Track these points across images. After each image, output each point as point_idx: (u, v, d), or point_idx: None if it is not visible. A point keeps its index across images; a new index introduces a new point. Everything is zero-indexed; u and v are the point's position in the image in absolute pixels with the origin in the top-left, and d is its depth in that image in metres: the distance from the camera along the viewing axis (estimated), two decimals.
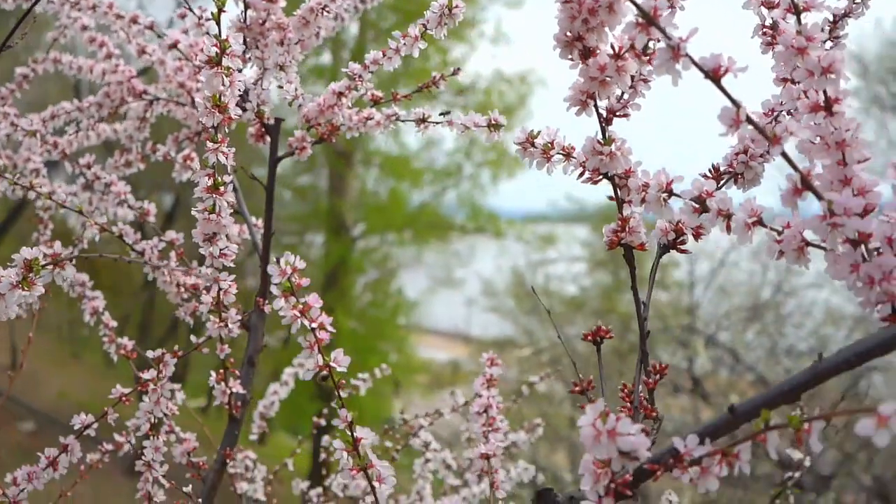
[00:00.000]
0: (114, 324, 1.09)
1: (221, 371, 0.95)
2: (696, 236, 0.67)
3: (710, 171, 0.69)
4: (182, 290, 1.02)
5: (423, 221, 11.46)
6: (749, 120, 0.50)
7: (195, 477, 1.00)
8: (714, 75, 0.50)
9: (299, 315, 0.62)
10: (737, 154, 0.68)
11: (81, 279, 1.12)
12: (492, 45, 10.42)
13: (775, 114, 0.69)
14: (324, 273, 11.01)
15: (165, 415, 0.98)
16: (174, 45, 1.02)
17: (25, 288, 0.67)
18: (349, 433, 0.65)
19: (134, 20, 1.09)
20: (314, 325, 0.62)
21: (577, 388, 0.63)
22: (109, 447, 1.12)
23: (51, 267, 0.67)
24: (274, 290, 0.61)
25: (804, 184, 0.51)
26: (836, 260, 0.52)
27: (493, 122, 0.84)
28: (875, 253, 0.52)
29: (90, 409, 1.13)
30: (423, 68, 10.54)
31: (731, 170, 0.68)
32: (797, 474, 1.08)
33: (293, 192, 11.74)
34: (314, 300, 0.62)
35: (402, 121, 0.98)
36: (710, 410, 6.88)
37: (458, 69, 1.01)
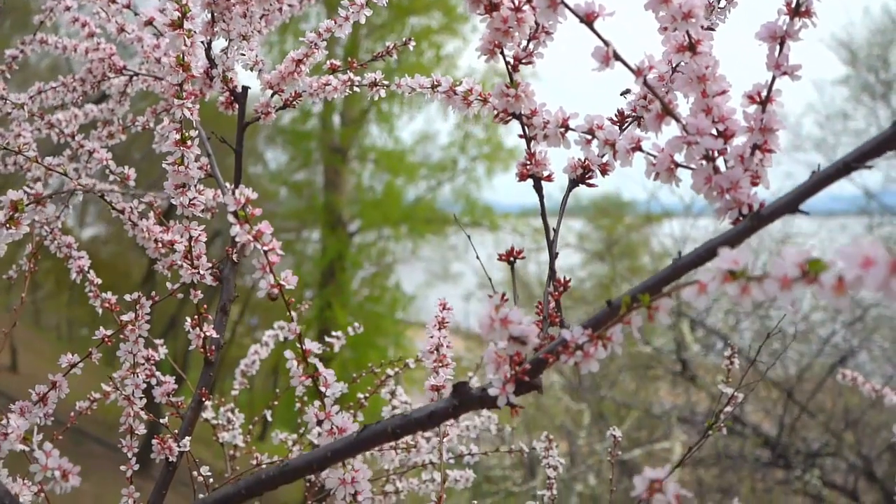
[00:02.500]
0: (98, 281, 1.18)
1: (196, 316, 1.05)
2: (603, 172, 0.77)
3: (615, 114, 0.78)
4: (159, 245, 1.11)
5: (419, 216, 11.56)
6: (616, 56, 0.60)
7: (174, 416, 1.10)
8: (588, 20, 0.60)
9: (253, 240, 0.71)
10: (639, 99, 0.78)
11: (68, 241, 1.21)
12: None
13: (673, 64, 0.78)
14: (321, 269, 11.11)
15: (146, 359, 1.08)
16: (149, 22, 1.11)
17: (12, 226, 0.76)
18: (299, 345, 0.74)
19: (112, 0, 1.18)
20: (266, 248, 0.71)
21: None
22: (97, 396, 1.21)
23: (34, 205, 0.77)
24: (230, 217, 0.71)
25: (665, 110, 0.61)
26: (695, 174, 0.61)
27: (434, 83, 0.93)
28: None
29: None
30: (417, 63, 10.66)
31: (633, 113, 0.77)
32: (729, 409, 1.17)
33: (289, 189, 11.84)
34: (266, 227, 0.72)
35: (358, 86, 1.07)
36: (702, 392, 7.00)
37: (410, 39, 1.10)
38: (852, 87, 9.44)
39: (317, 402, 0.74)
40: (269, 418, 1.50)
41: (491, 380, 0.64)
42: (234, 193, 0.70)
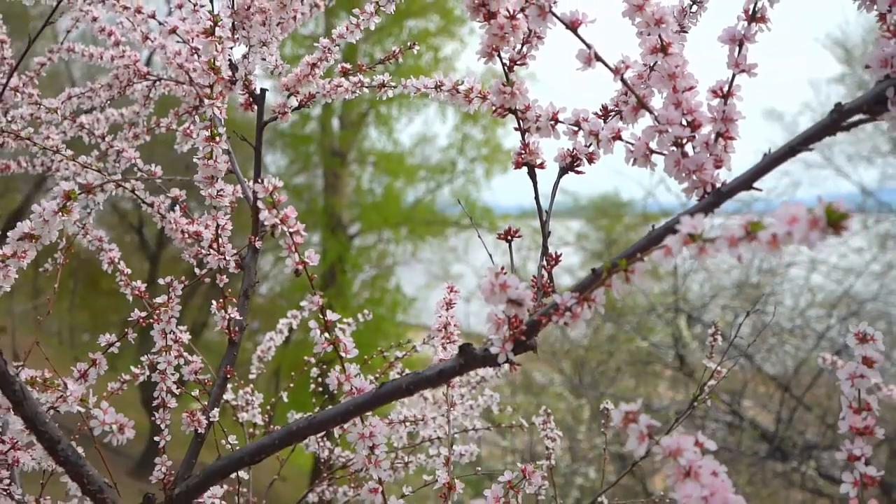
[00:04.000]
0: (128, 270, 1.28)
1: (221, 300, 1.14)
2: (590, 161, 0.86)
3: (600, 109, 0.88)
4: (186, 236, 1.21)
5: (419, 218, 11.66)
6: (597, 57, 0.69)
7: (203, 392, 1.19)
8: (573, 26, 0.69)
9: (280, 223, 0.81)
10: (620, 95, 0.87)
11: (98, 234, 1.31)
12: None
13: (649, 63, 0.88)
14: (321, 272, 11.19)
15: (175, 340, 1.17)
16: (173, 31, 1.21)
17: (65, 214, 0.86)
18: (322, 316, 0.84)
19: (138, 10, 1.28)
20: (292, 230, 0.81)
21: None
22: (126, 377, 1.30)
23: (85, 194, 0.86)
24: (260, 203, 0.80)
25: (639, 104, 0.70)
26: (667, 159, 0.71)
27: (438, 83, 1.03)
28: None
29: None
30: (416, 66, 10.77)
31: (615, 108, 0.87)
32: (712, 383, 1.27)
33: (289, 193, 11.93)
34: (291, 212, 0.81)
35: (367, 87, 1.17)
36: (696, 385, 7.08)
37: (415, 43, 1.20)
38: (848, 85, 9.53)
39: (337, 367, 0.84)
40: (286, 399, 1.60)
41: (492, 340, 0.73)
42: (263, 182, 0.80)
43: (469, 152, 12.04)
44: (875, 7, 0.67)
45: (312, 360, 1.53)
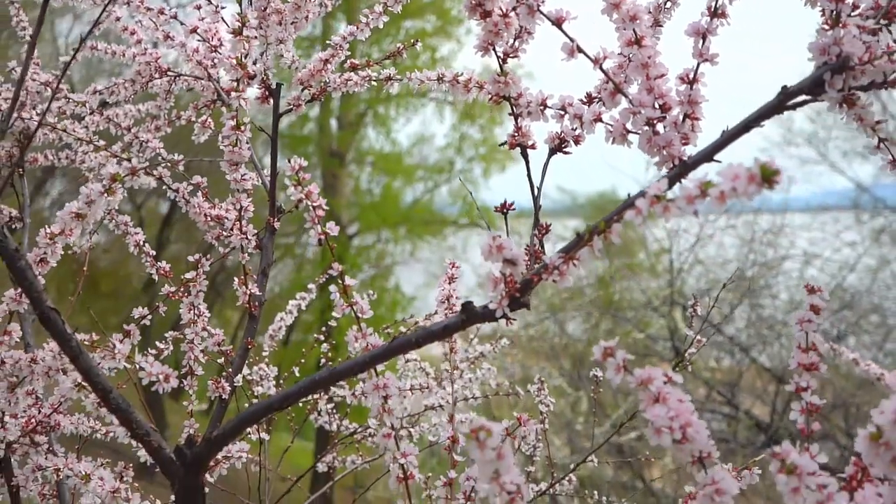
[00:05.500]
0: (153, 252, 1.38)
1: (242, 276, 1.25)
2: (576, 142, 0.97)
3: (585, 95, 0.98)
4: (208, 219, 1.31)
5: (417, 218, 11.77)
6: (579, 49, 0.80)
7: (225, 362, 1.30)
8: (558, 22, 0.80)
9: (304, 198, 0.91)
10: (602, 83, 0.98)
11: (124, 220, 1.41)
12: None
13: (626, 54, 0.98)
14: (320, 272, 11.29)
15: (199, 315, 1.28)
16: (194, 30, 1.31)
17: (110, 195, 0.96)
18: (341, 282, 0.94)
19: (161, 11, 1.38)
20: (315, 204, 0.92)
21: None
22: (153, 352, 1.41)
23: (130, 176, 0.96)
24: (287, 180, 0.91)
25: (616, 89, 0.81)
26: (641, 137, 0.81)
27: (440, 76, 1.14)
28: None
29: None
30: (413, 66, 10.89)
31: (598, 95, 0.98)
32: (693, 350, 1.37)
33: None
34: (314, 188, 0.92)
35: (375, 81, 1.27)
36: (697, 381, 7.23)
37: (417, 40, 1.31)
38: None
39: (354, 327, 0.95)
40: (298, 374, 1.70)
41: (490, 297, 0.84)
42: (289, 161, 0.91)
43: (467, 152, 12.15)
44: (819, 3, 0.77)
45: (321, 337, 1.63)
